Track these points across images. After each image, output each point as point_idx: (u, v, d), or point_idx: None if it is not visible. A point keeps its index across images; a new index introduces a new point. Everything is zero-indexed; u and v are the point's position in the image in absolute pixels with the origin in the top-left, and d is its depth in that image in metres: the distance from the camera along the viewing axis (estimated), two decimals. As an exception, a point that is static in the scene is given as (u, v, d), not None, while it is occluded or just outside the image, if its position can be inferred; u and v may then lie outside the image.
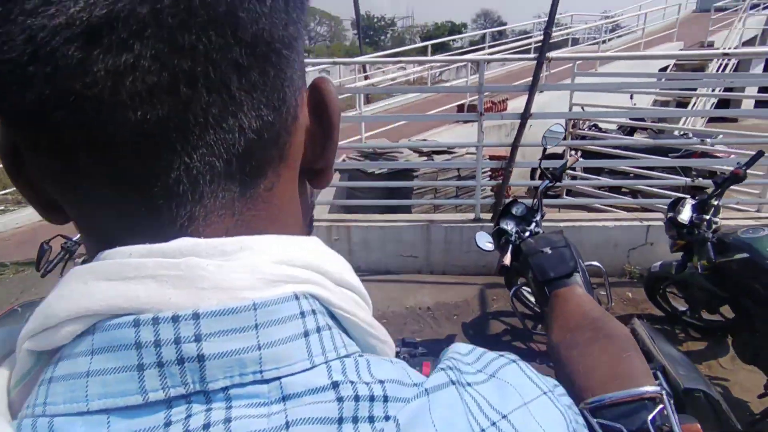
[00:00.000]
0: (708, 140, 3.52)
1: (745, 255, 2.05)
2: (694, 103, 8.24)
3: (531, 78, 3.26)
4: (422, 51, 11.33)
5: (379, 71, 11.77)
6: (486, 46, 11.66)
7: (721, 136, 4.92)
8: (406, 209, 4.19)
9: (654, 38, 11.68)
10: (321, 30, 51.39)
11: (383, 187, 4.23)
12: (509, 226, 2.31)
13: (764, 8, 13.44)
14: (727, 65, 9.35)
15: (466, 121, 5.99)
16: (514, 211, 2.46)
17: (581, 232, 3.61)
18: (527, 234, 2.22)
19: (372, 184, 4.04)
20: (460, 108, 6.40)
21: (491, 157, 4.10)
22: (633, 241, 3.68)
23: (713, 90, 6.36)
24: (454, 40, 33.63)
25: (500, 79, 10.26)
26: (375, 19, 49.13)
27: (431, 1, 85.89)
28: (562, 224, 3.61)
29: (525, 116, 3.40)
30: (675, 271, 2.52)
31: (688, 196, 2.53)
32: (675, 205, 2.50)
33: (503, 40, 17.31)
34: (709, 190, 2.48)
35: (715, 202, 2.39)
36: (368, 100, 9.15)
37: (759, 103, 8.31)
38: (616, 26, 14.49)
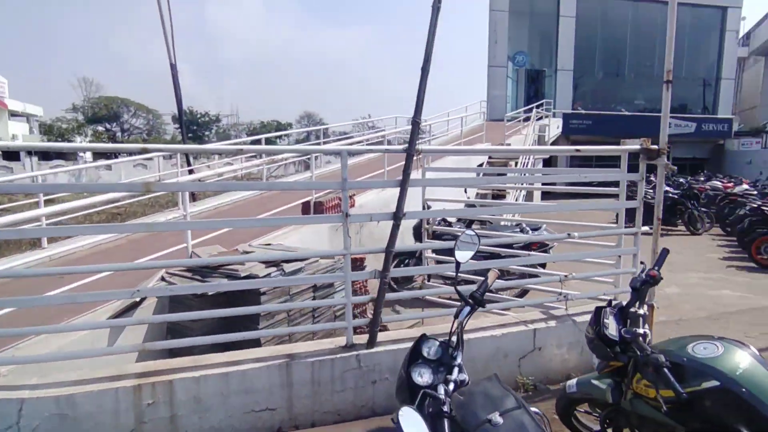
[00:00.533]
0: (574, 234, 3.45)
1: (715, 383, 1.64)
2: (515, 196, 9.15)
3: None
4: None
5: (204, 165, 10.71)
6: (321, 141, 11.63)
7: (544, 226, 5.31)
8: (255, 342, 3.12)
9: (471, 138, 13.41)
10: (137, 122, 47.52)
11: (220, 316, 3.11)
12: (425, 377, 1.62)
13: (538, 119, 16.77)
14: (528, 162, 10.93)
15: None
16: (425, 353, 1.75)
17: (470, 346, 3.06)
18: (452, 387, 1.54)
19: (202, 315, 2.89)
20: (306, 207, 5.75)
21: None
22: (522, 347, 3.28)
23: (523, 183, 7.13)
24: (280, 137, 34.45)
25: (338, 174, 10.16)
26: (198, 115, 47.68)
27: (255, 101, 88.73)
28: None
29: (398, 216, 2.84)
30: (612, 398, 2.05)
31: (607, 306, 2.17)
32: (598, 318, 2.11)
33: (326, 139, 17.89)
34: (617, 300, 2.23)
35: (641, 311, 2.06)
36: (194, 198, 7.92)
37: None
38: (429, 129, 16.17)
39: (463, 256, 1.93)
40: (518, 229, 6.29)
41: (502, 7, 21.08)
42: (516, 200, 9.92)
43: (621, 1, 23.26)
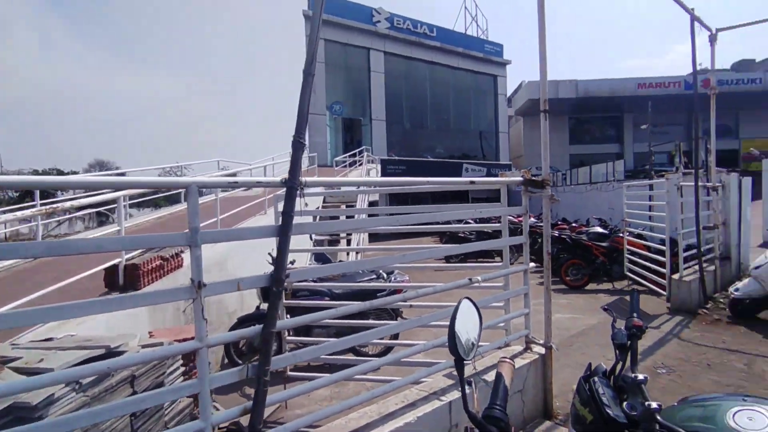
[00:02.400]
0: (477, 278, 2.99)
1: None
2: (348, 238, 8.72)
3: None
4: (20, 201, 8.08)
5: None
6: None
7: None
8: None
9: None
10: None
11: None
12: None
13: (360, 165, 17.25)
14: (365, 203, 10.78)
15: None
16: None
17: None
18: None
19: None
20: (111, 274, 4.11)
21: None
22: (438, 428, 2.59)
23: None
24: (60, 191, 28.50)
25: (154, 227, 8.29)
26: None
27: (28, 148, 72.80)
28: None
29: (280, 279, 1.95)
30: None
31: (590, 374, 1.66)
32: (591, 392, 1.57)
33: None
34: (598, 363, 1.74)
35: (640, 376, 1.58)
36: None
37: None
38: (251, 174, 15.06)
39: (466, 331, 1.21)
40: (374, 276, 5.78)
41: (318, 59, 21.71)
42: (358, 243, 9.55)
43: (420, 63, 26.43)
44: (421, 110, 27.31)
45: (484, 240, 3.59)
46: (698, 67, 6.96)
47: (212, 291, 1.83)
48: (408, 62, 25.80)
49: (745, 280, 5.92)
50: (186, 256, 5.06)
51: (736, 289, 5.80)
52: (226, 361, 5.15)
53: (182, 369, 3.15)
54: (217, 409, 3.02)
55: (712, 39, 7.36)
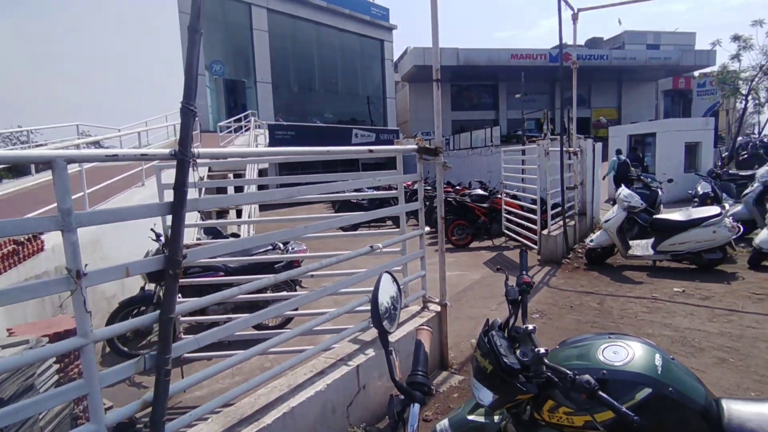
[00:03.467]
0: (378, 245, 3.05)
1: (648, 391, 1.46)
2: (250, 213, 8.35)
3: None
4: None
5: None
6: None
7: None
8: None
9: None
10: None
11: None
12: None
13: (246, 131, 16.30)
14: (254, 172, 10.28)
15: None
16: None
17: (295, 416, 2.27)
18: None
19: None
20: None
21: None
22: (349, 393, 2.68)
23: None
24: None
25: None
26: None
27: None
28: (268, 416, 2.15)
29: (176, 260, 1.80)
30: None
31: (489, 328, 1.81)
32: (490, 345, 1.72)
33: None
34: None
35: (530, 326, 1.77)
36: None
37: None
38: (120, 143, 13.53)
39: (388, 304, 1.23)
40: (270, 247, 5.63)
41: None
42: (249, 216, 9.15)
43: (306, 23, 25.36)
44: (309, 73, 26.46)
45: (378, 207, 3.68)
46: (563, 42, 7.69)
47: (95, 279, 1.63)
48: (294, 21, 24.58)
49: (598, 232, 6.91)
50: (47, 238, 4.40)
51: (591, 240, 6.77)
52: (107, 350, 4.69)
53: (56, 367, 2.79)
54: (109, 408, 2.76)
55: (575, 17, 8.16)
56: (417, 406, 1.17)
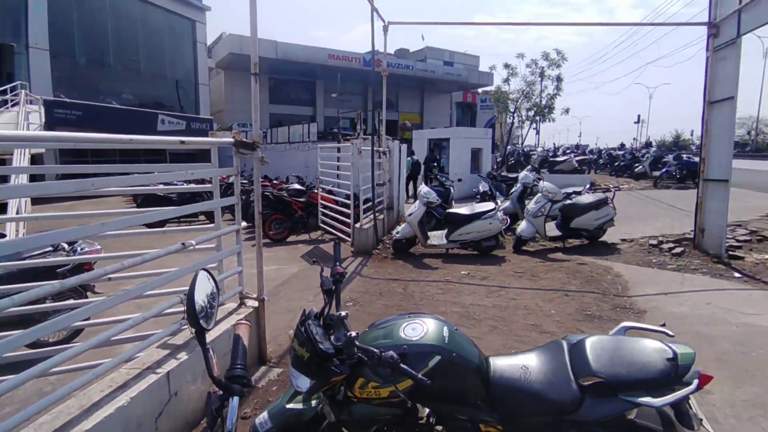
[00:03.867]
0: (191, 242, 2.84)
1: (438, 358, 1.77)
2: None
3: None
4: None
5: None
6: None
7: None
8: None
9: None
10: None
11: None
12: None
13: (14, 105, 13.16)
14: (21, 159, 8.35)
15: None
16: None
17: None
18: None
19: None
20: None
21: None
22: (158, 402, 2.49)
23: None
24: None
25: None
26: None
27: None
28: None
29: None
30: (334, 415, 1.86)
31: (305, 318, 1.91)
32: (308, 334, 1.82)
33: None
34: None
35: (343, 313, 1.93)
36: None
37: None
38: None
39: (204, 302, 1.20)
40: (51, 249, 4.75)
41: None
42: (19, 212, 7.44)
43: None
44: (102, 44, 22.59)
45: (189, 202, 3.47)
46: (375, 49, 8.34)
47: None
48: (77, -21, 20.69)
49: (402, 225, 7.72)
50: None
51: (397, 232, 7.53)
52: None
53: None
54: None
55: (385, 29, 8.90)
56: (236, 399, 1.20)
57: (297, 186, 10.79)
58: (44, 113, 16.08)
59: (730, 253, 6.59)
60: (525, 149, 25.21)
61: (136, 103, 24.00)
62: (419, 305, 5.15)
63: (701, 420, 1.78)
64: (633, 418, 1.82)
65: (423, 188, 7.76)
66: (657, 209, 11.00)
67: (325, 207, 9.25)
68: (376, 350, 1.73)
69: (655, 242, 7.44)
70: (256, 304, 3.61)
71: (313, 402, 1.97)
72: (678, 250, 6.89)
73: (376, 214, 8.01)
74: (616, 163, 20.34)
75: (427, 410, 2.00)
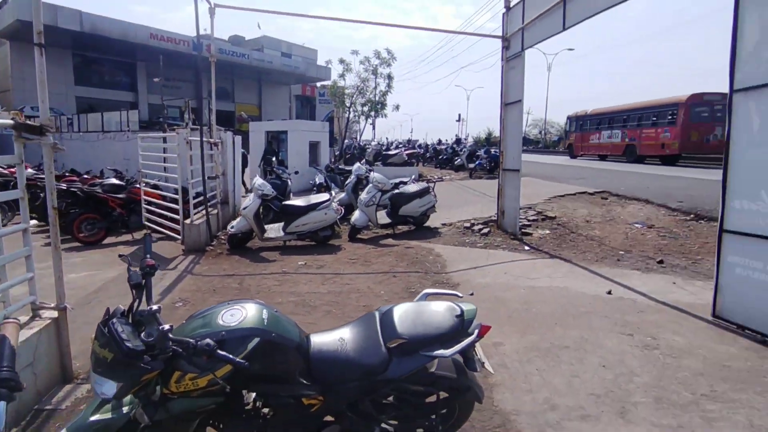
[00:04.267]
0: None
1: (257, 340, 1.82)
2: None
3: None
4: None
5: None
6: None
7: None
8: None
9: None
10: None
11: None
12: None
13: None
14: None
15: None
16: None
17: None
18: None
19: None
20: None
21: None
22: None
23: None
24: None
25: None
26: None
27: None
28: None
29: None
30: (148, 416, 1.77)
31: (109, 317, 1.75)
32: (111, 334, 1.68)
33: None
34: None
35: (154, 307, 1.83)
36: None
37: None
38: None
39: None
40: None
41: None
42: None
43: None
44: None
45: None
46: (204, 33, 7.81)
47: None
48: None
49: (238, 218, 7.46)
50: None
51: (232, 227, 7.25)
52: None
53: None
54: None
55: (212, 11, 8.38)
56: (2, 404, 1.08)
57: (114, 180, 9.50)
58: None
59: (523, 231, 7.99)
60: (362, 143, 26.50)
61: None
62: (255, 298, 5.07)
63: (483, 363, 2.18)
64: (433, 371, 2.13)
65: (258, 180, 7.60)
66: (472, 196, 12.66)
67: (149, 203, 8.37)
68: (191, 340, 1.69)
69: (468, 225, 8.59)
70: (55, 314, 3.13)
71: (125, 408, 1.83)
72: (486, 230, 8.08)
73: (209, 209, 7.58)
74: (440, 157, 22.81)
75: (253, 395, 2.04)
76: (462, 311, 2.12)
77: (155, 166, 8.76)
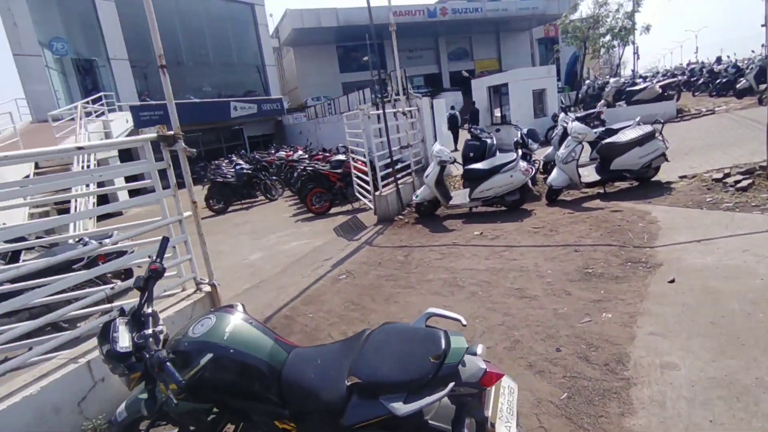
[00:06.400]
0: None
1: (209, 355, 1.70)
2: (76, 207, 7.81)
3: None
4: None
5: None
6: None
7: (116, 232, 4.69)
8: None
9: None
10: None
11: None
12: None
13: (100, 115, 14.91)
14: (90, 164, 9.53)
15: None
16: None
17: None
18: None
19: None
20: None
21: None
22: (79, 389, 2.74)
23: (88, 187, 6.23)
24: None
25: None
26: None
27: None
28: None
29: None
30: (147, 409, 1.89)
31: (117, 318, 1.95)
32: (105, 335, 1.86)
33: None
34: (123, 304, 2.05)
35: (148, 310, 1.94)
36: None
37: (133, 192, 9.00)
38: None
39: None
40: (81, 244, 5.39)
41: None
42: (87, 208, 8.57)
43: (160, -11, 23.13)
44: (173, 46, 24.40)
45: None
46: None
47: None
48: (143, -12, 22.31)
49: (423, 187, 7.39)
50: None
51: (416, 196, 7.25)
52: None
53: None
54: None
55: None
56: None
57: (341, 157, 10.83)
58: (131, 118, 18.05)
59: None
60: (597, 83, 22.29)
61: (215, 94, 25.74)
62: (412, 272, 4.97)
63: (494, 424, 1.50)
64: (428, 419, 1.59)
65: (436, 146, 7.31)
66: (747, 132, 9.16)
67: (357, 177, 9.21)
68: (154, 349, 1.71)
69: (720, 176, 6.24)
70: (209, 288, 3.76)
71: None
72: (744, 183, 5.71)
73: (403, 178, 7.78)
74: (717, 81, 17.12)
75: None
76: (445, 353, 1.48)
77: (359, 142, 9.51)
